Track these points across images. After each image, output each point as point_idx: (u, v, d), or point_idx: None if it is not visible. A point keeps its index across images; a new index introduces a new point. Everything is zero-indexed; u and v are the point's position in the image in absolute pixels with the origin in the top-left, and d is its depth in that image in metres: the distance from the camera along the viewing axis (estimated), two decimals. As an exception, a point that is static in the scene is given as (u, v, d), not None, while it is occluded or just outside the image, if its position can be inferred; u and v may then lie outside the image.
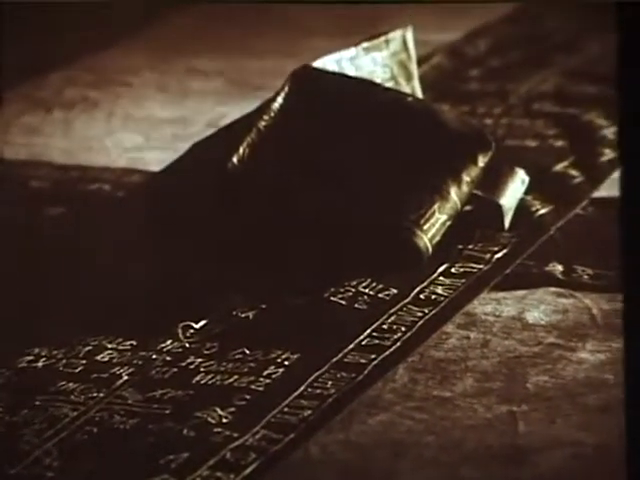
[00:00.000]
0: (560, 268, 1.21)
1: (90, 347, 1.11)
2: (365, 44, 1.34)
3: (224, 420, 1.00)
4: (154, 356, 1.09)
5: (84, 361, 1.09)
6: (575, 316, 1.12)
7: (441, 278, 1.20)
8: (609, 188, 1.37)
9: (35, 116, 1.63)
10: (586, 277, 1.19)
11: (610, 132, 1.50)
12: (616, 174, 1.41)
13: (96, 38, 1.87)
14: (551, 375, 1.04)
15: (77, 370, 1.08)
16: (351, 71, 1.33)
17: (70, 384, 1.06)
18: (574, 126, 1.53)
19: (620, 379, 1.02)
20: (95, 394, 1.04)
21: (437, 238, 1.23)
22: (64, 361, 1.09)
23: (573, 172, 1.41)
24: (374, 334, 1.11)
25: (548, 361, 1.06)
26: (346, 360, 1.07)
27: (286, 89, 1.29)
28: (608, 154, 1.46)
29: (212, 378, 1.06)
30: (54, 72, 1.76)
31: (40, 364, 1.09)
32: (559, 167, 1.42)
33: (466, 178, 1.26)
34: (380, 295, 1.17)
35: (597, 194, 1.36)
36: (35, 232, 1.33)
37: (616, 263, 1.20)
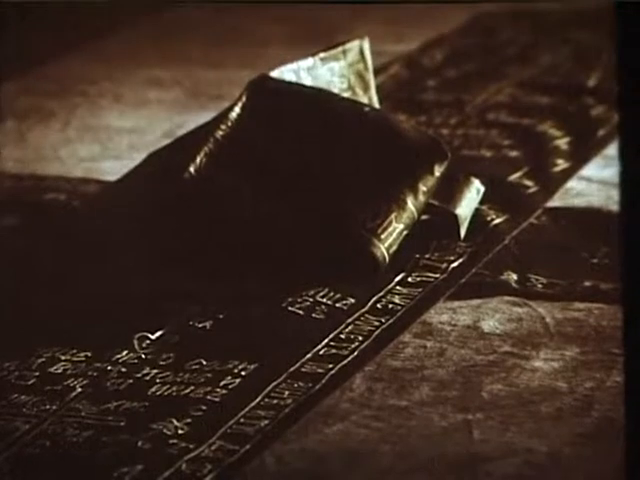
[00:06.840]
0: (514, 277, 1.22)
1: (43, 359, 1.10)
2: (322, 54, 1.35)
3: (180, 431, 0.99)
4: (109, 367, 1.08)
5: (37, 373, 1.08)
6: (529, 325, 1.13)
7: (398, 287, 1.20)
8: (562, 198, 1.39)
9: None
10: (540, 286, 1.20)
11: (563, 143, 1.52)
12: (569, 184, 1.43)
13: (52, 46, 1.86)
14: (505, 383, 1.04)
15: (30, 382, 1.07)
16: (308, 81, 1.33)
17: (22, 397, 1.05)
18: (528, 136, 1.54)
19: (572, 387, 1.03)
20: (48, 407, 1.03)
21: (394, 247, 1.24)
22: (16, 373, 1.08)
23: (527, 182, 1.43)
24: (331, 344, 1.11)
25: (502, 370, 1.06)
26: (303, 370, 1.07)
27: (243, 99, 1.29)
28: (561, 164, 1.47)
29: (168, 389, 1.05)
30: (8, 80, 1.74)
31: (-8, 376, 1.08)
32: (514, 177, 1.44)
33: (423, 188, 1.26)
34: (337, 305, 1.17)
35: (550, 204, 1.38)
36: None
37: (569, 272, 1.22)
